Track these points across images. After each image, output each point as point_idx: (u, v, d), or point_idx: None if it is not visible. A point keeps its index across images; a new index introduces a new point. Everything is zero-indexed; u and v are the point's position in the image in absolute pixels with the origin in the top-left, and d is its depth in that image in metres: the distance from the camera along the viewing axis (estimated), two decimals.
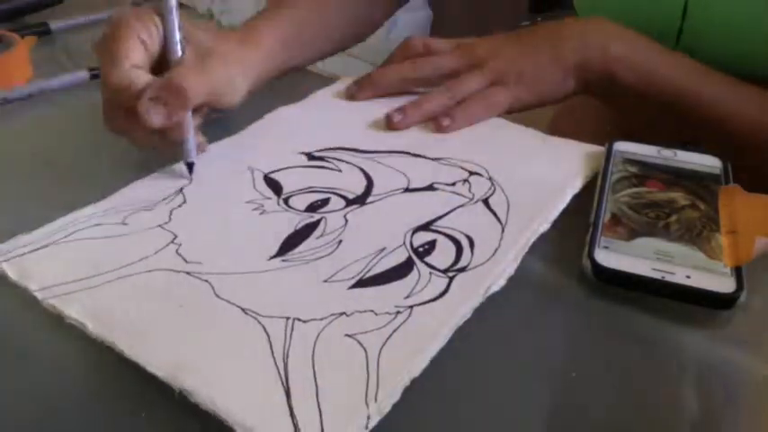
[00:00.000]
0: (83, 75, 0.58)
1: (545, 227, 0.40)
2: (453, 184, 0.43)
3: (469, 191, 0.43)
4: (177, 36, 0.43)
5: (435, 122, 0.49)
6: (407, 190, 0.43)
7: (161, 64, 0.43)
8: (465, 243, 0.38)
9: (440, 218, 0.40)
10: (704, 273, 0.35)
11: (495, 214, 0.40)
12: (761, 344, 0.34)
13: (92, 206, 0.40)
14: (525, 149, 0.47)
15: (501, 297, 0.35)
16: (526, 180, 0.44)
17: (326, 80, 0.57)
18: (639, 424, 0.29)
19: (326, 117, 0.51)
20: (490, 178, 0.44)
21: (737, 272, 0.35)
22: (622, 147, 0.45)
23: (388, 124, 0.49)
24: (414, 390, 0.30)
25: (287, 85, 0.55)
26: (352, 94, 0.53)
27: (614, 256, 0.36)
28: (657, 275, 0.35)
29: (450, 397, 0.30)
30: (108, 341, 0.31)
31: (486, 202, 0.42)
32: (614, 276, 0.35)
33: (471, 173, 0.44)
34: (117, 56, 0.41)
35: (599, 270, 0.36)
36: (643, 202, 0.40)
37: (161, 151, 0.44)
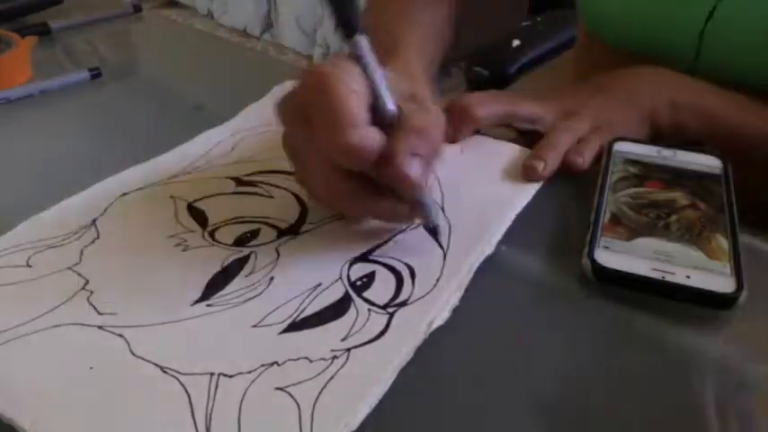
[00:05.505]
0: (83, 75, 0.58)
1: (489, 250, 0.38)
2: None
3: None
4: (384, 84, 0.35)
5: (568, 161, 0.45)
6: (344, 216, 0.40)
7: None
8: (405, 274, 0.35)
9: (378, 246, 0.37)
10: (704, 273, 0.35)
11: (436, 239, 0.38)
12: (761, 344, 0.34)
13: None
14: (468, 159, 0.45)
15: (501, 297, 0.35)
16: (468, 197, 0.41)
17: None
18: (639, 424, 0.29)
19: (258, 137, 0.47)
20: None
21: (737, 272, 0.35)
22: (622, 146, 0.45)
23: (531, 175, 0.43)
24: (411, 390, 0.30)
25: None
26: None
27: (614, 256, 0.36)
28: (657, 275, 0.35)
29: (449, 397, 0.30)
30: (6, 418, 0.27)
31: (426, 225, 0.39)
32: (614, 276, 0.35)
33: None
34: (347, 114, 0.33)
35: (599, 270, 0.36)
36: (643, 202, 0.40)
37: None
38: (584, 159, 0.45)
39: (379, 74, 0.35)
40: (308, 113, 0.34)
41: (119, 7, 0.73)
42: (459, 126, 0.47)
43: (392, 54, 0.48)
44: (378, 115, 0.34)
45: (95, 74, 0.58)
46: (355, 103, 0.33)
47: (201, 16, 2.62)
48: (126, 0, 0.74)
